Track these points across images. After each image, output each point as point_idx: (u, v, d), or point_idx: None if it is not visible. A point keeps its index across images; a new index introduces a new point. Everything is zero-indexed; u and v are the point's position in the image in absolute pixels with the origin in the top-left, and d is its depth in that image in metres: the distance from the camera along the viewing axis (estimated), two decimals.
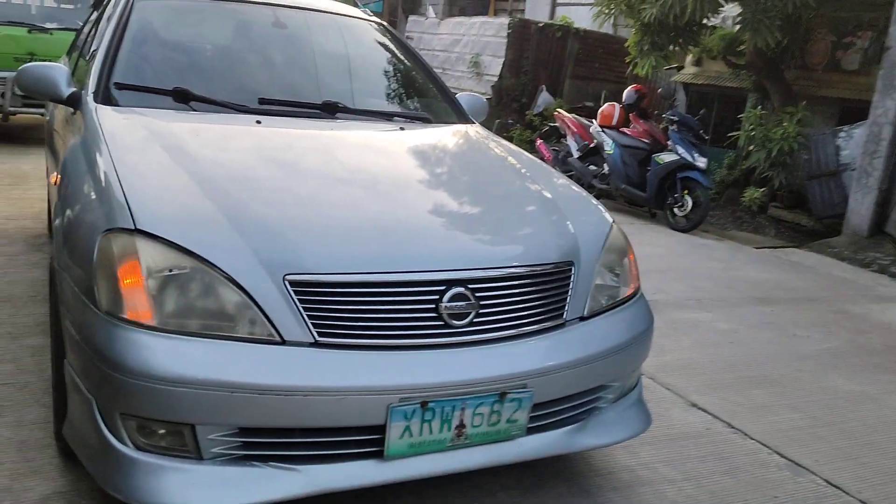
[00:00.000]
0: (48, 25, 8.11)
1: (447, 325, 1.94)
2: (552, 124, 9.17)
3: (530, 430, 2.08)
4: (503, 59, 11.99)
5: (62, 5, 9.07)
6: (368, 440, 1.89)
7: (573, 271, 2.21)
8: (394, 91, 3.41)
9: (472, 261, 2.04)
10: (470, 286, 1.98)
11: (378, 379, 1.84)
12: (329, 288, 1.86)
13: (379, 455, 1.90)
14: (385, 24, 3.77)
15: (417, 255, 2.00)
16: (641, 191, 7.47)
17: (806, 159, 7.81)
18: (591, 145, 8.01)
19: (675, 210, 7.18)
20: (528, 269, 2.12)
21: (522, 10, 15.61)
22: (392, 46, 3.61)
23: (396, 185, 2.45)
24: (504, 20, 12.65)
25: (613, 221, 2.55)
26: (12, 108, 7.60)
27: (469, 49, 12.72)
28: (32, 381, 2.86)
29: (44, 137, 8.70)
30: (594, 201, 2.69)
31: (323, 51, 3.32)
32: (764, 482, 2.69)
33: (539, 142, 8.86)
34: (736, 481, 2.68)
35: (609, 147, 7.72)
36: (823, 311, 5.04)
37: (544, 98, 11.35)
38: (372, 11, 3.98)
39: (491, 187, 2.64)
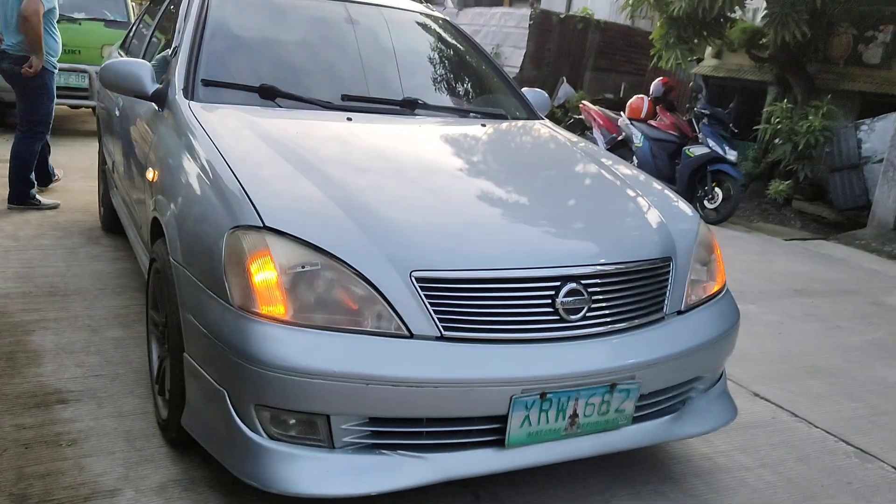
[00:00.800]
0: (76, 15, 8.15)
1: (563, 320, 2.02)
2: (576, 116, 9.21)
3: (635, 420, 2.17)
4: (524, 51, 12.03)
5: None
6: (489, 429, 1.97)
7: (671, 267, 2.29)
8: (466, 87, 3.48)
9: (584, 257, 2.12)
10: (582, 282, 2.06)
11: (502, 371, 1.92)
12: (454, 284, 1.94)
13: (499, 444, 1.98)
14: (448, 19, 3.82)
15: (534, 253, 2.07)
16: (671, 183, 7.53)
17: (828, 152, 7.87)
18: (619, 138, 8.06)
19: (706, 202, 7.25)
20: (634, 264, 2.20)
21: (539, 1, 15.61)
22: (459, 42, 3.67)
23: (501, 183, 2.53)
24: (525, 11, 12.68)
25: (700, 217, 2.63)
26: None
27: (490, 40, 12.74)
28: (122, 373, 2.93)
29: (78, 128, 8.78)
30: (679, 197, 2.76)
31: (395, 46, 3.39)
32: (836, 469, 2.78)
33: None
34: (809, 468, 2.76)
35: (638, 140, 7.77)
36: (861, 303, 5.11)
37: (565, 90, 11.39)
38: None
39: (585, 184, 2.72)
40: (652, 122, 7.95)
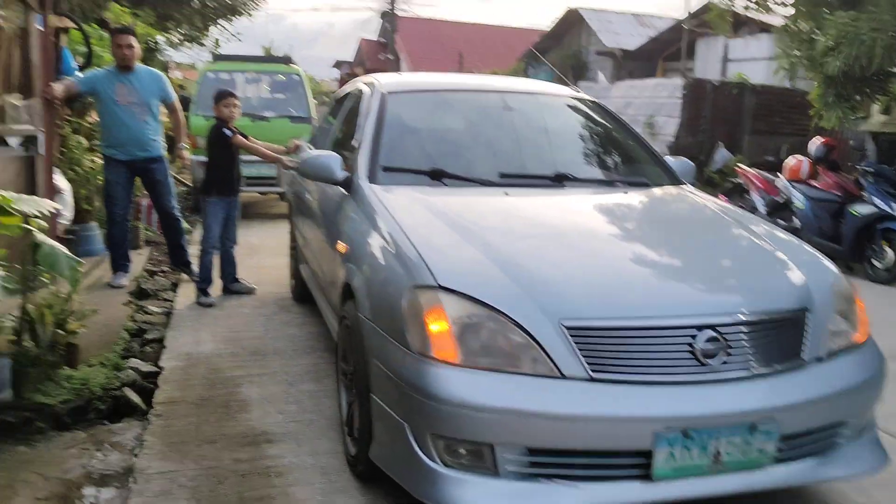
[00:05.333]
0: (266, 114, 9.33)
1: (701, 364, 2.23)
2: (734, 180, 9.14)
3: (778, 460, 2.29)
4: (679, 119, 12.14)
5: (275, 95, 10.42)
6: (636, 464, 2.19)
7: (808, 316, 2.42)
8: (611, 159, 3.80)
9: (722, 307, 2.33)
10: (720, 329, 2.26)
11: (645, 409, 2.15)
12: (600, 331, 2.22)
13: (645, 477, 2.19)
14: (595, 100, 4.18)
15: (673, 303, 2.32)
16: (836, 244, 7.28)
17: None
18: (779, 200, 7.92)
19: (875, 262, 6.93)
20: (771, 314, 2.37)
21: (691, 70, 15.67)
22: (603, 119, 4.00)
23: (639, 242, 2.81)
24: (678, 81, 12.84)
25: (837, 270, 2.73)
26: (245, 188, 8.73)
27: (642, 111, 12.98)
28: (315, 419, 3.40)
29: (267, 212, 9.82)
30: (816, 251, 2.89)
31: (547, 127, 3.80)
32: None
33: (723, 198, 8.85)
34: None
35: (799, 201, 7.61)
36: None
37: (722, 155, 11.32)
38: (542, 80, 4.41)
39: (723, 240, 2.94)
40: (813, 183, 7.76)
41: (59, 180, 5.80)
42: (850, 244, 7.10)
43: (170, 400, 3.55)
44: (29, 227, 3.04)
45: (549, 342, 2.20)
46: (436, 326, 2.28)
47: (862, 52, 7.19)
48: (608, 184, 3.51)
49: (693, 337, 2.24)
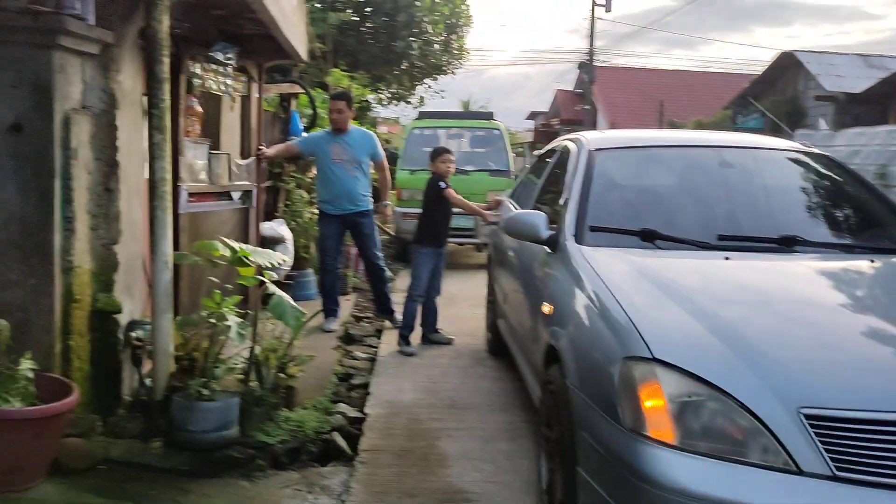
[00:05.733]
0: (467, 168, 9.60)
1: None
2: None
3: None
4: None
5: (475, 150, 10.74)
6: None
7: None
8: (850, 221, 3.41)
9: None
10: None
11: None
12: (847, 423, 1.94)
13: None
14: (825, 153, 3.81)
15: None
16: None
17: None
18: None
19: None
20: None
21: None
22: (835, 173, 3.62)
23: (891, 321, 2.45)
24: None
25: None
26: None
27: (872, 160, 11.78)
28: (511, 481, 3.33)
29: (466, 262, 10.06)
30: None
31: (771, 185, 3.50)
32: None
33: None
34: None
35: None
36: None
37: None
38: (751, 128, 4.06)
39: None
40: None
41: (283, 230, 6.34)
42: None
43: (374, 448, 3.65)
44: (263, 278, 3.31)
45: (782, 430, 1.96)
46: (650, 403, 2.12)
47: None
48: (847, 248, 3.13)
49: None
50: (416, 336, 5.59)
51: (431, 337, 5.69)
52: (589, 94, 27.78)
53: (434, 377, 4.87)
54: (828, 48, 25.11)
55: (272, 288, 3.31)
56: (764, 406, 2.00)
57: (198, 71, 4.43)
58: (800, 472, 1.93)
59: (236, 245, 3.28)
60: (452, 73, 17.80)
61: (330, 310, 5.83)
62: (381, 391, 4.51)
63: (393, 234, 9.98)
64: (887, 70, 18.21)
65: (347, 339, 5.70)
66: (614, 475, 2.16)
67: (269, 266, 3.33)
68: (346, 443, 3.67)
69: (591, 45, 27.95)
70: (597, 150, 3.69)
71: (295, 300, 6.48)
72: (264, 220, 6.66)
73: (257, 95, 5.90)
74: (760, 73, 21.92)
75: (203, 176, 4.62)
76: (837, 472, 1.90)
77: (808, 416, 1.96)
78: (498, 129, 10.58)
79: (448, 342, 5.70)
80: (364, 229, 5.80)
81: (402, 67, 15.81)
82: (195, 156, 4.40)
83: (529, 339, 3.60)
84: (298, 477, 3.33)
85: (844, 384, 2.03)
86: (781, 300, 2.59)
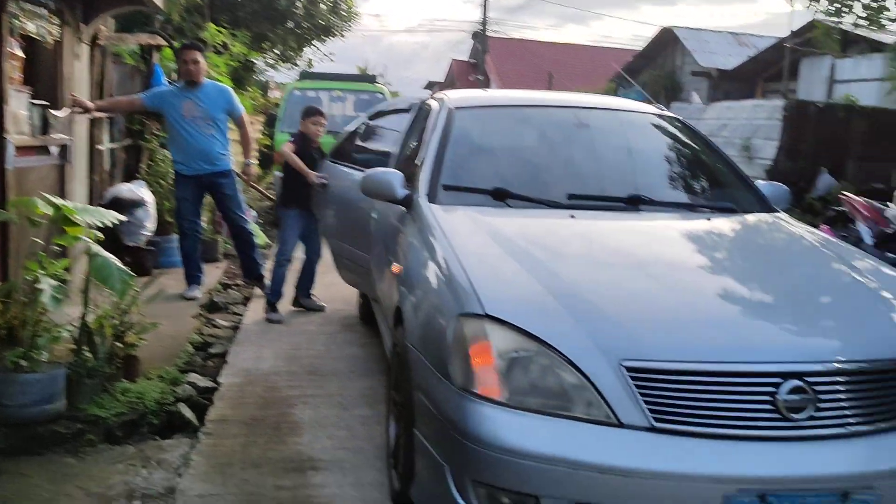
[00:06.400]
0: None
1: (785, 419, 1.92)
2: (837, 209, 8.50)
3: None
4: (777, 143, 11.48)
5: (359, 113, 10.47)
6: None
7: None
8: (694, 182, 3.47)
9: (809, 354, 2.02)
10: (807, 379, 1.95)
11: (716, 468, 1.86)
12: (666, 375, 1.95)
13: None
14: (679, 117, 3.87)
15: (753, 347, 2.02)
16: None
17: None
18: (888, 230, 7.28)
19: None
20: (872, 363, 2.03)
21: (794, 91, 14.89)
22: (687, 137, 3.69)
23: (720, 275, 2.51)
24: (779, 102, 12.18)
25: None
26: None
27: (738, 133, 12.36)
28: (365, 447, 3.24)
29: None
30: None
31: (622, 146, 3.52)
32: None
33: (824, 227, 8.24)
34: None
35: None
36: None
37: (825, 181, 10.60)
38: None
39: (816, 278, 2.59)
40: None
41: (144, 192, 5.94)
42: None
43: (222, 418, 3.47)
44: (85, 238, 3.03)
45: (605, 384, 1.95)
46: (480, 359, 2.07)
47: None
48: (689, 208, 3.19)
49: (776, 387, 1.93)
50: (286, 303, 5.40)
51: (304, 302, 5.51)
52: (482, 65, 27.85)
53: (298, 344, 4.71)
54: (705, 27, 26.12)
55: (95, 248, 3.04)
56: (588, 361, 1.98)
57: (16, 11, 3.98)
58: (620, 425, 1.92)
59: (60, 202, 2.99)
60: (342, 35, 17.30)
61: (191, 276, 5.51)
62: (239, 359, 4.31)
63: (274, 199, 9.62)
64: (756, 49, 19.21)
65: (211, 306, 5.42)
66: (445, 436, 2.10)
67: (101, 225, 3.05)
68: (193, 414, 3.47)
69: (485, 14, 27.97)
70: (457, 108, 3.60)
71: (159, 267, 6.19)
72: (124, 181, 6.23)
73: (87, 44, 5.38)
74: (643, 48, 22.62)
75: (26, 128, 4.20)
76: (656, 424, 1.91)
77: (629, 370, 1.95)
78: (381, 93, 10.36)
79: (320, 308, 5.53)
80: (224, 190, 5.46)
81: (287, 26, 15.21)
82: (18, 106, 3.97)
83: (384, 301, 3.50)
84: (134, 451, 3.11)
85: (664, 337, 2.03)
86: (620, 256, 2.60)
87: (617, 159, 3.46)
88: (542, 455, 1.91)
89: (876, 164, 11.49)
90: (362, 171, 3.72)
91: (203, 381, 3.86)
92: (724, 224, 3.03)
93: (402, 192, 3.26)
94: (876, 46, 13.74)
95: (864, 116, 11.58)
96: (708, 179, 3.48)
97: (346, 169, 4.73)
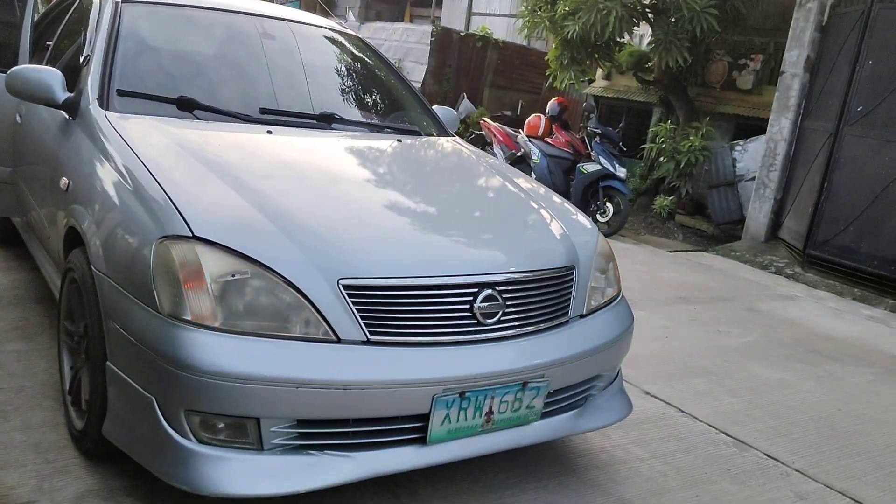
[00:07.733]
0: None
1: (480, 324, 2.18)
2: (477, 132, 9.51)
3: (544, 416, 2.35)
4: (426, 66, 12.29)
5: None
6: (412, 428, 2.10)
7: (575, 274, 2.50)
8: (381, 103, 3.59)
9: (498, 266, 2.29)
10: (497, 287, 2.23)
11: (425, 372, 2.05)
12: (379, 291, 2.06)
13: (420, 441, 2.11)
14: (363, 38, 3.93)
15: (454, 262, 2.23)
16: (566, 198, 7.92)
17: (707, 170, 8.51)
18: (518, 154, 8.39)
19: (598, 216, 7.67)
20: (542, 272, 2.39)
21: (438, 18, 15.95)
22: (372, 59, 3.78)
23: (421, 197, 2.66)
24: (427, 27, 12.96)
25: (598, 229, 2.86)
26: None
27: (392, 54, 12.93)
28: (27, 385, 2.86)
29: None
30: (577, 209, 2.99)
31: (313, 61, 3.47)
32: (717, 457, 3.07)
33: None
34: (695, 457, 3.04)
35: (536, 156, 8.13)
36: (737, 309, 5.58)
37: (465, 106, 11.72)
38: None
39: (496, 198, 2.91)
40: (549, 140, 8.33)
41: None
42: (577, 199, 7.77)
43: None
44: None
45: (324, 303, 1.99)
46: (191, 284, 1.95)
47: (598, 20, 7.78)
48: (379, 129, 3.32)
49: (472, 296, 2.18)
50: None
51: None
52: None
53: None
54: None
55: None
56: (307, 280, 2.00)
57: None
58: (338, 341, 2.00)
59: None
60: None
61: None
62: None
63: None
64: None
65: None
66: (152, 367, 1.96)
67: None
68: None
69: None
70: (125, 2, 3.19)
71: None
72: None
73: None
74: None
75: None
76: (371, 337, 2.03)
77: (346, 287, 2.02)
78: None
79: None
80: None
81: None
82: None
83: (46, 221, 3.05)
84: None
85: (376, 255, 2.14)
86: (321, 176, 2.62)
87: (305, 74, 3.40)
88: (262, 377, 1.90)
89: (504, 93, 13.02)
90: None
91: None
92: (412, 146, 3.22)
93: (62, 94, 2.83)
94: None
95: (496, 48, 12.95)
96: (394, 102, 3.64)
97: None
